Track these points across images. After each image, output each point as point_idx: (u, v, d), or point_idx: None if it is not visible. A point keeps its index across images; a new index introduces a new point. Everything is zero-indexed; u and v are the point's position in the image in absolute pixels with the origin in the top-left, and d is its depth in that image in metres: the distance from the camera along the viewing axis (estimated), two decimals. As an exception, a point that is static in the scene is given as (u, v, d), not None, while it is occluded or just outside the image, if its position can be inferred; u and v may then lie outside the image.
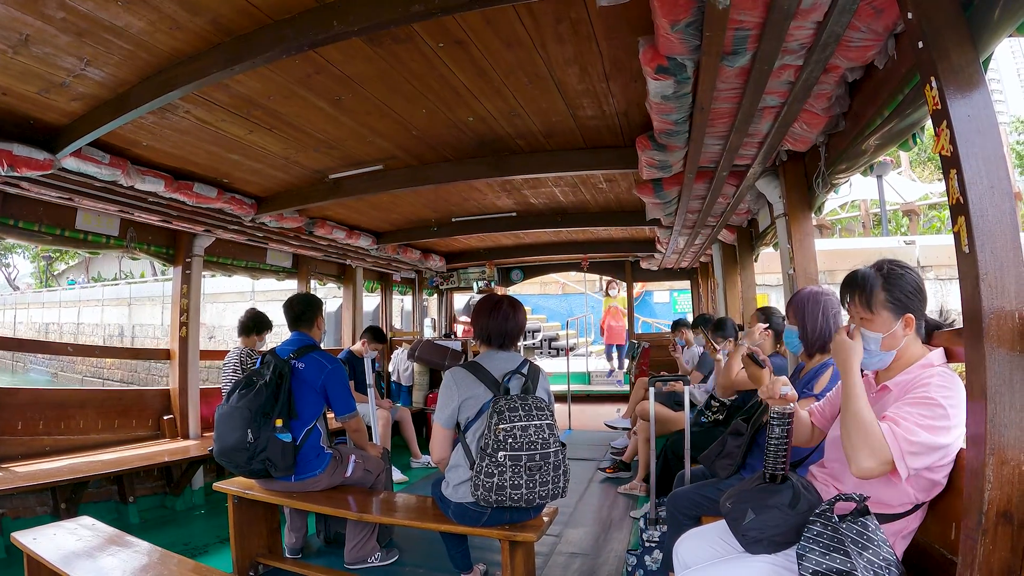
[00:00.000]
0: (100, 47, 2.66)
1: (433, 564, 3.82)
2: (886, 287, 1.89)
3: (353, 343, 7.41)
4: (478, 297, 9.36)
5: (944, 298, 14.42)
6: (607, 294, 14.91)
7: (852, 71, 2.48)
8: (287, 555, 3.91)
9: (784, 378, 2.05)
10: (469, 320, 8.73)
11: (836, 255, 14.62)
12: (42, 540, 2.78)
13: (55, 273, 44.94)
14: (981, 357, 1.50)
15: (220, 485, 3.70)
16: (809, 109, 2.83)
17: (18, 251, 43.06)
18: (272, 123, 3.65)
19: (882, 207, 22.67)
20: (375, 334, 6.42)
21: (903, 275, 1.89)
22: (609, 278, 13.60)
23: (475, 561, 3.53)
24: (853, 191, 24.31)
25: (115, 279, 35.50)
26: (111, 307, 29.33)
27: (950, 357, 1.90)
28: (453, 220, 6.85)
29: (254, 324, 5.60)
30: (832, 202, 26.30)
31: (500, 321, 3.15)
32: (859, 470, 1.71)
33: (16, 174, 3.49)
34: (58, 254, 40.87)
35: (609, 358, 14.85)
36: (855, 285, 1.96)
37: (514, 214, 6.64)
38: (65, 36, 2.56)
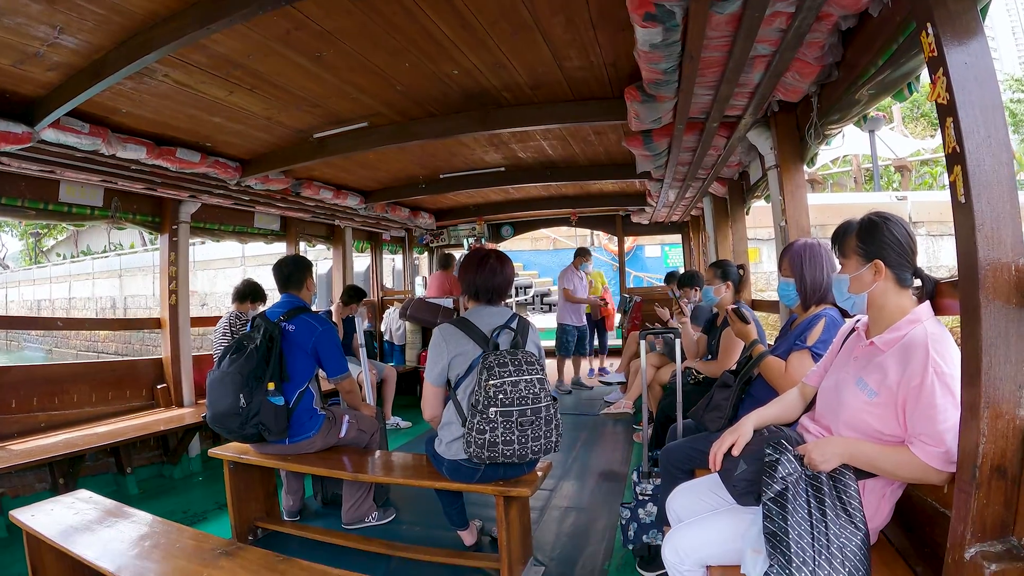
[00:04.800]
0: (73, 13, 2.59)
1: (430, 521, 3.87)
2: (859, 234, 1.94)
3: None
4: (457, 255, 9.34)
5: (936, 254, 14.45)
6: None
7: (845, 19, 2.41)
8: (285, 518, 3.96)
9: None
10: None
11: (828, 210, 14.57)
12: (40, 516, 2.77)
13: (44, 249, 44.51)
14: (976, 310, 1.48)
15: (215, 451, 3.70)
16: (801, 58, 2.77)
17: (6, 229, 42.45)
18: (253, 83, 3.56)
19: (874, 162, 22.54)
20: (349, 294, 6.58)
21: (879, 224, 1.90)
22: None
23: (471, 517, 3.58)
24: (845, 146, 24.15)
25: (104, 251, 35.18)
26: (102, 280, 29.13)
27: (942, 310, 1.89)
28: (441, 177, 6.77)
29: (250, 291, 5.67)
30: (823, 157, 26.12)
31: (488, 276, 3.12)
32: (943, 481, 1.70)
33: (-5, 149, 3.43)
34: (46, 230, 40.39)
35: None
36: (836, 233, 2.05)
37: (502, 169, 6.57)
38: (36, 4, 2.50)
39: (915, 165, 26.57)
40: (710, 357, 4.44)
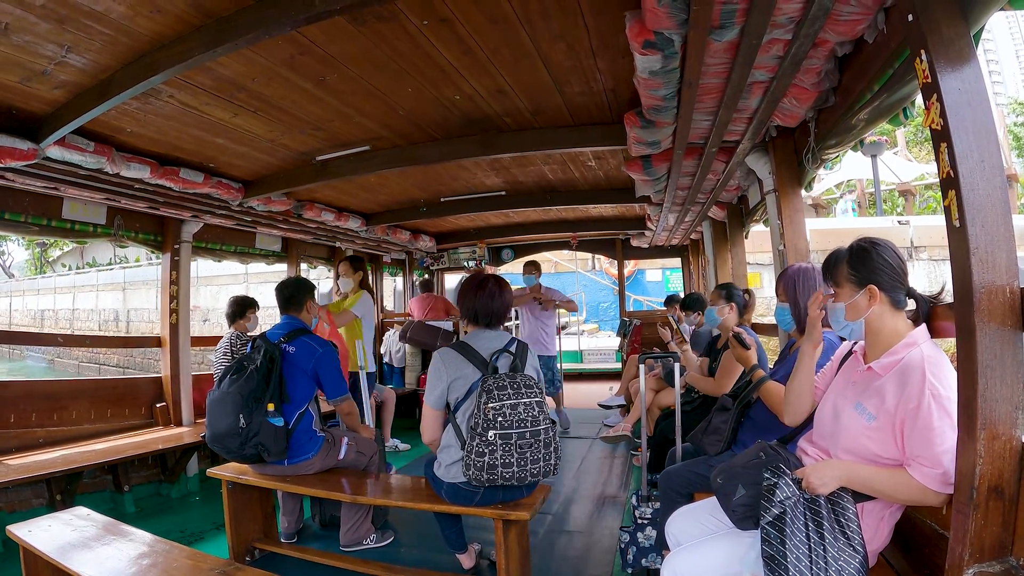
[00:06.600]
0: (81, 33, 2.62)
1: (428, 544, 3.84)
2: (850, 261, 1.96)
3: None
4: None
5: (938, 279, 14.44)
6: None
7: (842, 45, 2.45)
8: (283, 539, 3.93)
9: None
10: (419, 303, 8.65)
11: (829, 234, 14.59)
12: (37, 532, 2.76)
13: (49, 260, 44.70)
14: (972, 332, 1.50)
15: (214, 471, 3.69)
16: (798, 84, 2.81)
17: (12, 238, 42.72)
18: (257, 105, 3.60)
19: (876, 187, 22.69)
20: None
21: (868, 249, 1.92)
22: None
23: (469, 540, 3.55)
24: (849, 170, 24.33)
25: (109, 264, 35.34)
26: (106, 292, 29.25)
27: (938, 332, 1.90)
28: (442, 200, 6.80)
29: (239, 308, 5.67)
30: (828, 181, 26.31)
31: (486, 300, 3.14)
32: (942, 502, 1.71)
33: (0, 165, 3.45)
34: (52, 240, 40.66)
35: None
36: (826, 262, 2.08)
37: (503, 193, 6.61)
38: (45, 23, 2.52)
39: (919, 189, 26.72)
40: (708, 379, 4.42)
